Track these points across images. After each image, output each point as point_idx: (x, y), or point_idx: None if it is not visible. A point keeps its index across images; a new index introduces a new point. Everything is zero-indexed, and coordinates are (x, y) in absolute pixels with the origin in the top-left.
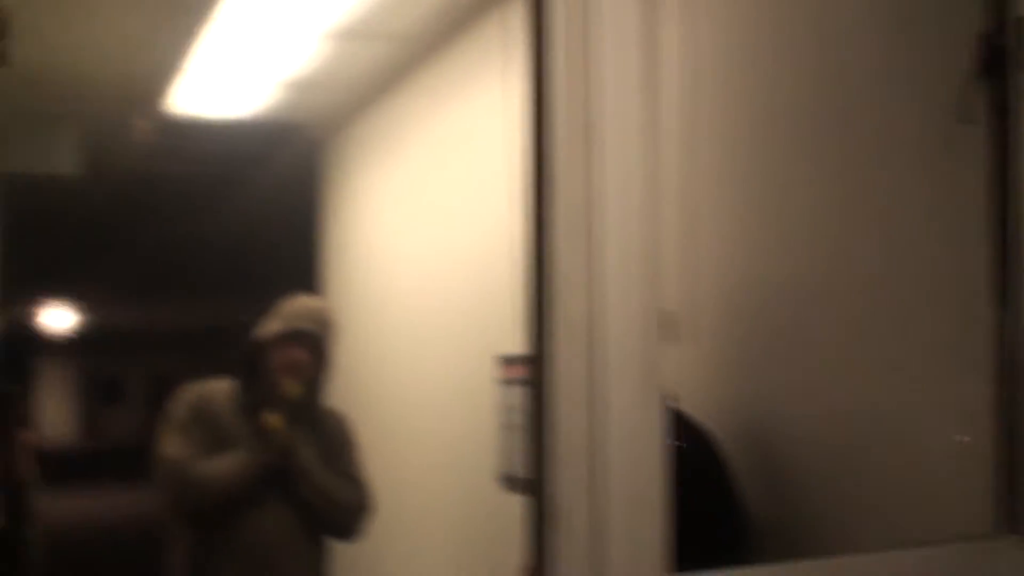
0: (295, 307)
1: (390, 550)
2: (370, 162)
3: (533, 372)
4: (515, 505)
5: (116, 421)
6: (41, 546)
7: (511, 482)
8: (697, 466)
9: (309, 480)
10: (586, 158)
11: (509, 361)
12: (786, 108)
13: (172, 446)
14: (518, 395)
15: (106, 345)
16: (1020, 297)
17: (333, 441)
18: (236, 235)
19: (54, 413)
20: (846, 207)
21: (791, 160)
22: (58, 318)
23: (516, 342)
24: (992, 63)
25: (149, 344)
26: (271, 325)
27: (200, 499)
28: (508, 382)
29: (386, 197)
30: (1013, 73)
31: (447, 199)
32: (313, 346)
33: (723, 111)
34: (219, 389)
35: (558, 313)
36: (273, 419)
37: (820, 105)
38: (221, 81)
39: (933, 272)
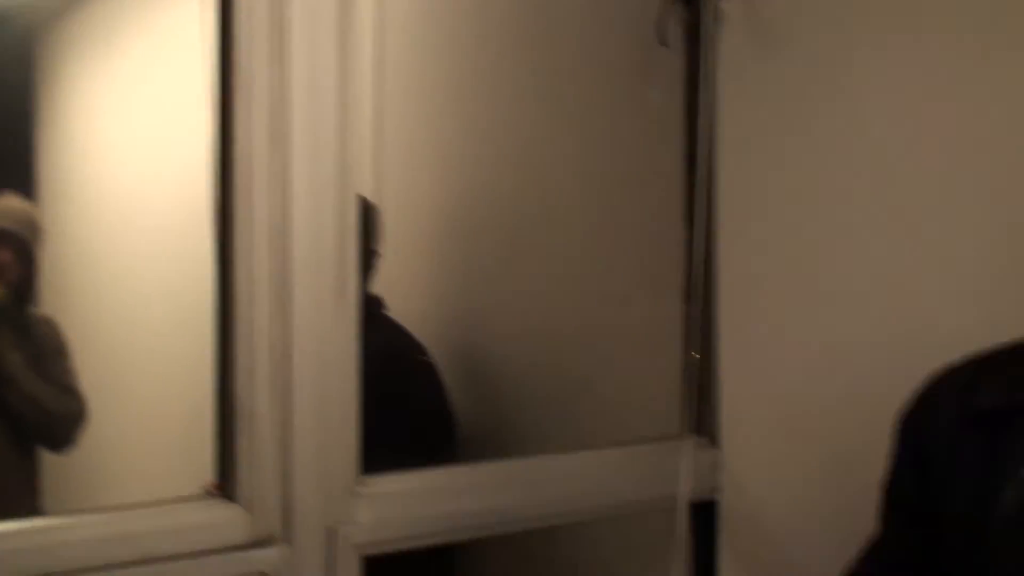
0: None
1: (105, 461)
2: (88, 58)
3: (219, 273)
4: None
5: None
6: None
7: None
8: (407, 372)
9: (16, 387)
10: (277, 57)
11: None
12: (492, 28)
13: None
14: None
15: None
16: (706, 219)
17: (43, 348)
18: None
19: None
20: (552, 129)
21: (498, 80)
22: None
23: None
24: None
25: None
26: None
27: None
28: None
29: (104, 97)
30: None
31: (162, 101)
32: (17, 248)
33: (427, 30)
34: None
35: (243, 212)
36: None
37: (524, 26)
38: None
39: (635, 193)
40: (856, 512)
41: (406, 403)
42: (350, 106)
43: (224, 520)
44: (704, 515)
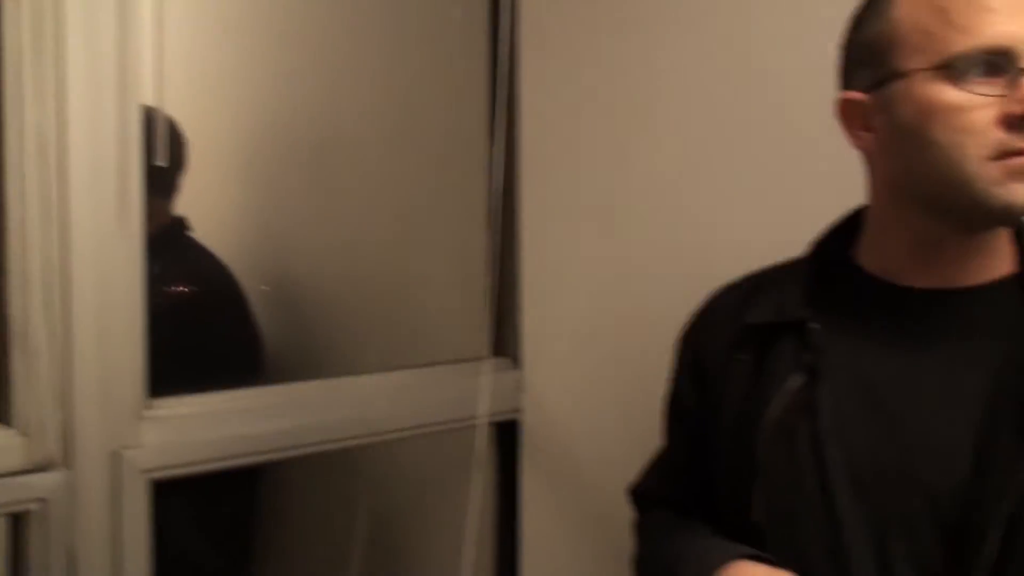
0: None
1: None
2: None
3: None
4: None
5: None
6: None
7: None
8: (209, 294)
9: None
10: None
11: None
12: None
13: None
14: None
15: None
16: (507, 141)
17: None
18: None
19: None
20: (355, 47)
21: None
22: None
23: None
24: None
25: None
26: None
27: None
28: None
29: None
30: None
31: None
32: None
33: None
34: None
35: (12, 121)
36: None
37: None
38: None
39: (440, 113)
40: (648, 428)
41: (209, 324)
42: (130, 17)
43: None
44: (507, 434)
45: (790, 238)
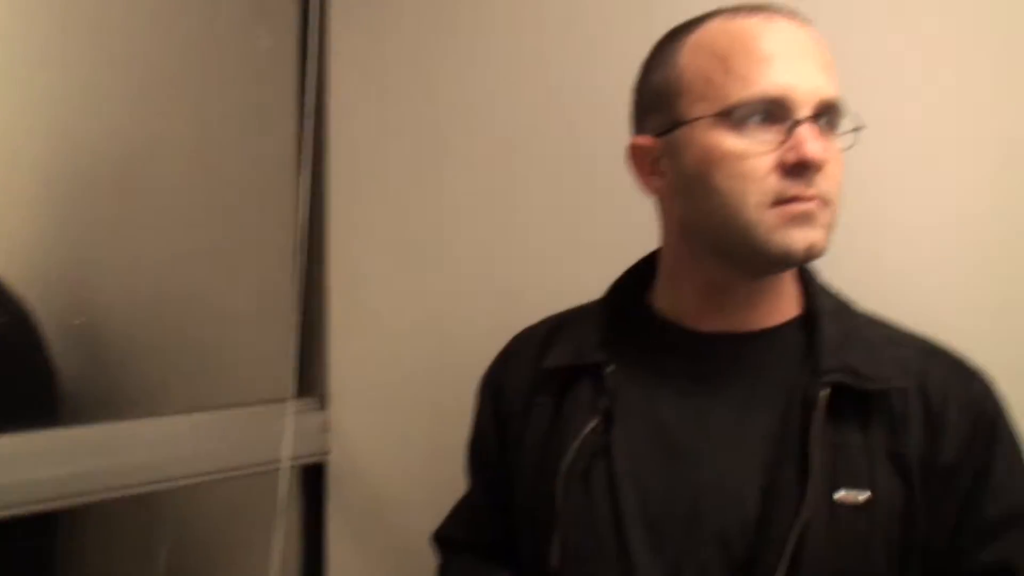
0: None
1: None
2: None
3: None
4: None
5: None
6: None
7: None
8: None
9: None
10: None
11: None
12: None
13: None
14: None
15: None
16: (315, 176)
17: None
18: None
19: None
20: (161, 76)
21: (101, 21)
22: None
23: None
24: None
25: None
26: None
27: None
28: None
29: None
30: None
31: None
32: None
33: None
34: None
35: None
36: None
37: None
38: None
39: (251, 146)
40: (457, 471)
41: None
42: None
43: None
44: (313, 478)
45: (597, 279)
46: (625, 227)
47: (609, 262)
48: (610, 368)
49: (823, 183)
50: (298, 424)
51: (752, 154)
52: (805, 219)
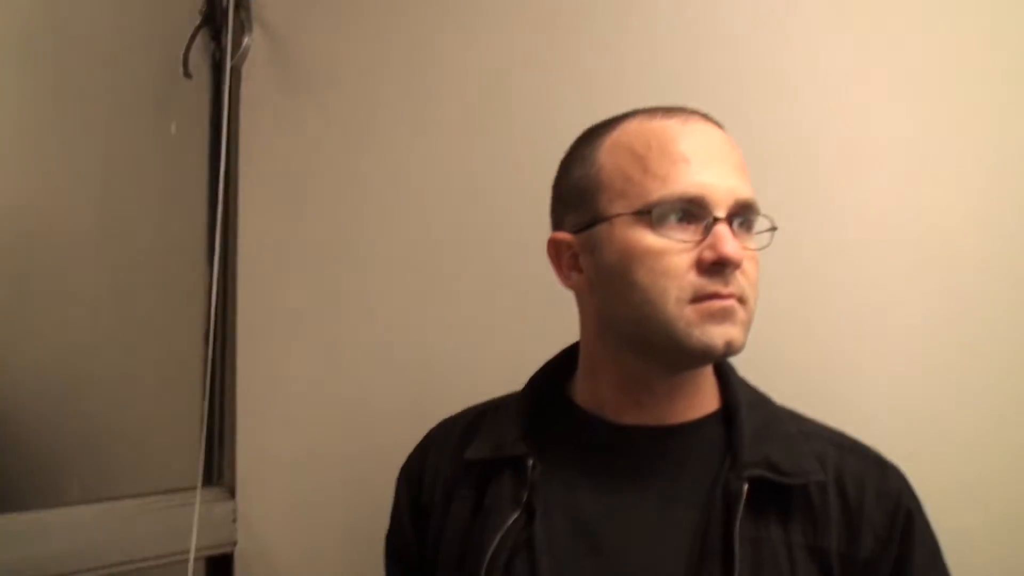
0: None
1: None
2: None
3: None
4: None
5: None
6: None
7: None
8: None
9: None
10: None
11: None
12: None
13: None
14: None
15: None
16: (225, 262)
17: None
18: None
19: None
20: (70, 159)
21: (6, 103)
22: None
23: None
24: (213, 19)
25: None
26: None
27: None
28: None
29: None
30: (227, 31)
31: None
32: None
33: None
34: None
35: None
36: None
37: (37, 48)
38: None
39: (160, 230)
40: (370, 563)
41: None
42: None
43: None
44: (221, 570)
45: (514, 369)
46: (542, 315)
47: (519, 350)
48: (531, 461)
49: (741, 281)
50: (205, 514)
51: (671, 251)
52: (724, 316)
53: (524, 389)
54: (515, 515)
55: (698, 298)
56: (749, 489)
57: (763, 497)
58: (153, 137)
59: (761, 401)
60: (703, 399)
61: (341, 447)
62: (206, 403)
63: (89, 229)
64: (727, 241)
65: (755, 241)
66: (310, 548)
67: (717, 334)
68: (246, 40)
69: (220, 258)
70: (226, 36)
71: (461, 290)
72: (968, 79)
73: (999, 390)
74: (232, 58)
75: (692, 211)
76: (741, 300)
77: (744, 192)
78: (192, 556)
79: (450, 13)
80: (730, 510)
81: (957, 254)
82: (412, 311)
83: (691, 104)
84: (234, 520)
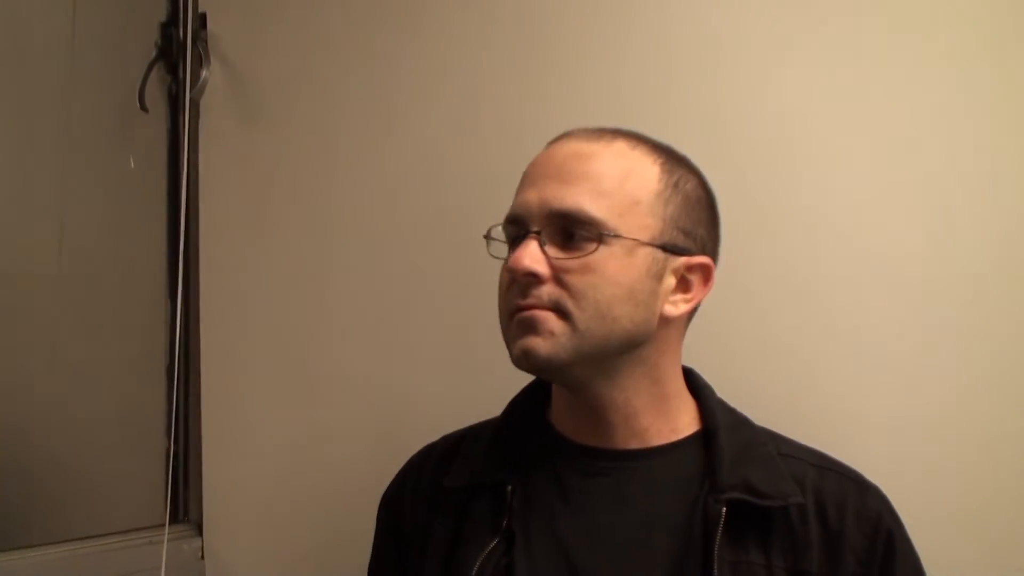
0: None
1: None
2: None
3: None
4: None
5: None
6: None
7: None
8: None
9: None
10: None
11: None
12: None
13: None
14: None
15: None
16: (186, 296)
17: None
18: None
19: None
20: (27, 195)
21: None
22: None
23: None
24: (169, 52)
25: None
26: None
27: None
28: None
29: None
30: (184, 65)
31: None
32: None
33: None
34: None
35: None
36: None
37: None
38: None
39: (118, 266)
40: None
41: None
42: None
43: None
44: None
45: (484, 398)
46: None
47: (492, 382)
48: (510, 487)
49: (550, 292)
50: (173, 551)
51: (504, 270)
52: (522, 327)
53: (502, 414)
54: (494, 541)
55: (511, 312)
56: (728, 512)
57: (742, 520)
58: (111, 172)
59: (740, 423)
60: (670, 421)
61: (308, 480)
62: (171, 440)
63: (47, 265)
64: (513, 255)
65: (582, 249)
66: None
67: (518, 345)
68: (204, 73)
69: (182, 292)
70: (183, 69)
71: (428, 321)
72: (962, 85)
73: (995, 397)
74: (190, 91)
75: (515, 231)
76: (557, 310)
77: (558, 202)
78: None
79: (410, 44)
80: (709, 534)
81: (954, 264)
82: (378, 342)
83: (654, 119)
84: (201, 557)
